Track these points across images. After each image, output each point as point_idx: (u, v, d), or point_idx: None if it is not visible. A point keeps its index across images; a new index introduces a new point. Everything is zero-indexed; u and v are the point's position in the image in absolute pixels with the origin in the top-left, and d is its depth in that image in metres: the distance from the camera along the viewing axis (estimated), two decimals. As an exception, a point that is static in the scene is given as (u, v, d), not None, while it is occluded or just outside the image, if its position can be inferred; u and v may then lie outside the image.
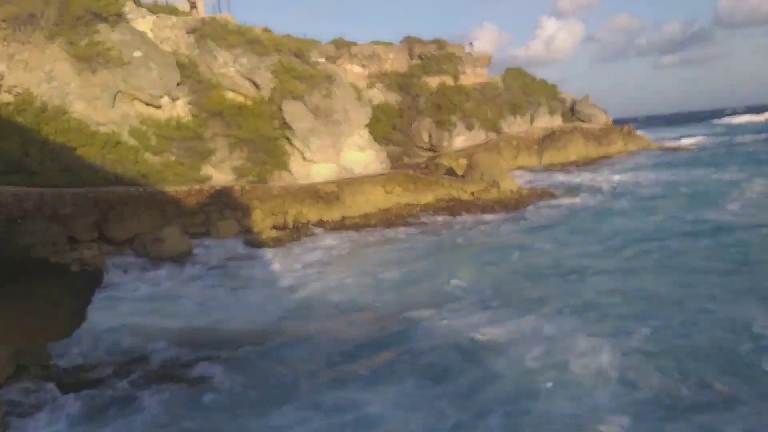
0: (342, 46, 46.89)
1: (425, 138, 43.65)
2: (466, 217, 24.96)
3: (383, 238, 21.46)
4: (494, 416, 7.95)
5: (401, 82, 46.50)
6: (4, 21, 24.12)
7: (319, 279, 15.49)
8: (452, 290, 13.43)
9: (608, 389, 8.41)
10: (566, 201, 26.74)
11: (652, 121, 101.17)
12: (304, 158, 26.78)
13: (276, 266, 17.49)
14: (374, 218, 25.37)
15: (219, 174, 26.09)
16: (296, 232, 23.37)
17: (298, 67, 28.45)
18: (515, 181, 28.78)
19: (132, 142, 24.77)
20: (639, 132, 58.18)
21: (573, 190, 29.69)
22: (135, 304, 13.52)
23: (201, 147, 25.88)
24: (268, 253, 19.68)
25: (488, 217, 24.76)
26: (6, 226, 19.69)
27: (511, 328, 10.82)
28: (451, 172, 31.88)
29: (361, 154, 28.70)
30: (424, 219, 25.30)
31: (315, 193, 25.17)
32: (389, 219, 25.40)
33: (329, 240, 21.28)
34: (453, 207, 26.66)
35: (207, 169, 25.81)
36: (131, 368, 9.91)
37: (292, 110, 26.60)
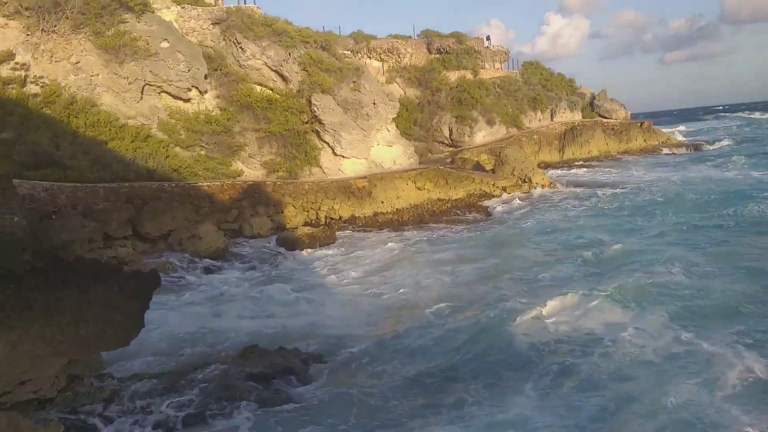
0: (361, 39, 46.33)
1: (446, 133, 43.06)
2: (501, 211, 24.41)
3: (430, 234, 20.89)
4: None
5: (420, 77, 45.90)
6: (27, 9, 23.57)
7: (386, 279, 14.83)
8: (541, 282, 12.92)
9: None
10: (600, 195, 26.17)
11: (660, 116, 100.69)
12: (334, 153, 26.26)
13: (329, 266, 16.89)
14: (406, 214, 24.89)
15: (249, 169, 25.59)
16: (329, 228, 22.86)
17: (326, 59, 27.88)
18: (546, 176, 28.26)
19: (161, 135, 24.26)
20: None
21: (604, 184, 29.13)
22: (193, 308, 12.85)
23: (230, 141, 25.36)
24: (312, 251, 19.14)
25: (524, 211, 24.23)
26: (40, 223, 19.26)
27: (612, 319, 10.34)
28: (478, 167, 31.35)
29: (389, 149, 28.17)
30: (457, 215, 24.81)
31: (347, 189, 24.66)
32: (421, 215, 24.93)
33: (372, 238, 20.72)
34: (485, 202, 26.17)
35: (237, 164, 25.31)
36: (196, 378, 9.32)
37: (321, 104, 26.05)
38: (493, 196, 26.49)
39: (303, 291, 14.13)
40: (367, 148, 26.86)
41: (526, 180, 27.19)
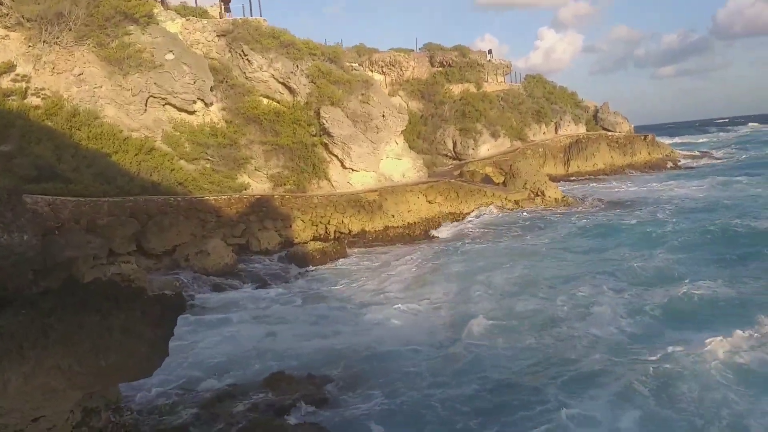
0: (363, 53, 45.94)
1: (449, 146, 42.56)
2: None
3: (445, 247, 20.21)
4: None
5: (423, 90, 45.49)
6: (29, 20, 22.99)
7: (425, 294, 14.12)
8: (587, 296, 12.41)
9: None
10: (609, 210, 25.54)
11: (654, 130, 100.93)
12: (343, 166, 25.63)
13: (354, 282, 16.13)
14: (417, 228, 24.26)
15: (255, 182, 24.90)
16: (339, 243, 22.19)
17: (335, 71, 27.35)
18: (559, 190, 27.67)
19: (166, 148, 23.59)
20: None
21: (615, 201, 28.51)
22: (221, 331, 11.98)
23: (236, 154, 24.70)
24: (324, 267, 18.42)
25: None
26: (43, 238, 18.46)
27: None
28: (488, 180, 30.82)
29: (398, 162, 27.60)
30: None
31: (357, 203, 23.99)
32: (433, 228, 24.29)
33: (386, 252, 20.02)
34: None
35: (243, 178, 24.62)
36: (221, 412, 8.53)
37: (330, 116, 25.47)
38: (505, 210, 25.86)
39: (340, 309, 13.33)
40: (377, 161, 26.26)
41: (539, 193, 26.62)
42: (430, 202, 25.16)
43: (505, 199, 26.19)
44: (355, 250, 21.44)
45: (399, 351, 10.36)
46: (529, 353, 9.84)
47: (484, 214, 25.04)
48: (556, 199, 26.67)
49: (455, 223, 24.42)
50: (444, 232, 23.46)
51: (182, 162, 23.77)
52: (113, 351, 7.66)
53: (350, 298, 14.28)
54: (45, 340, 7.36)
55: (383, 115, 27.08)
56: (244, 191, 23.98)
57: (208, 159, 24.44)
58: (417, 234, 23.67)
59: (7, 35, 22.91)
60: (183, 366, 9.74)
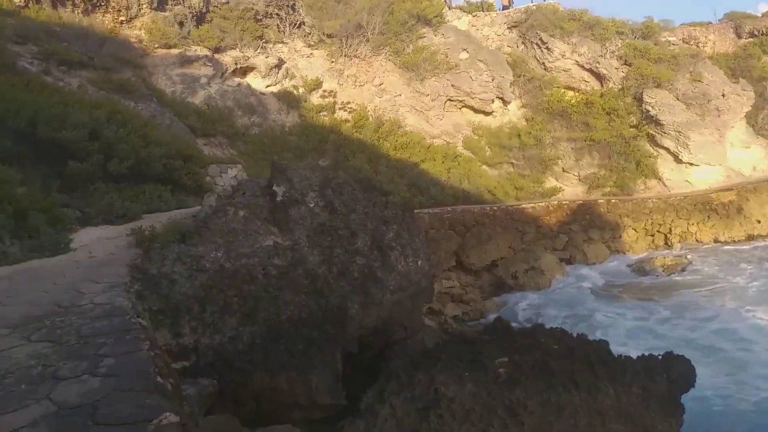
0: (654, 29, 39.66)
1: (779, 131, 33.96)
2: None
3: None
4: None
5: (733, 66, 37.34)
6: (329, 36, 23.10)
7: None
8: None
9: None
10: None
11: None
12: (678, 160, 20.84)
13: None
14: (793, 237, 18.35)
15: (565, 185, 21.58)
16: (686, 259, 17.60)
17: (653, 48, 22.74)
18: None
19: (467, 154, 21.65)
20: None
21: None
22: None
23: (542, 155, 21.68)
24: (684, 286, 14.20)
25: None
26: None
27: None
28: None
29: (746, 152, 21.82)
30: None
31: (705, 205, 19.08)
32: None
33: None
34: None
35: (551, 181, 21.51)
36: None
37: (657, 101, 20.94)
38: None
39: None
40: (723, 152, 20.90)
41: None
42: (808, 201, 18.96)
43: None
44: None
45: None
46: None
47: None
48: None
49: None
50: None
51: (484, 167, 21.59)
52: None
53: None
54: (519, 427, 4.82)
55: (723, 95, 21.58)
56: (553, 197, 20.83)
57: (511, 162, 21.89)
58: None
59: (311, 54, 23.34)
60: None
